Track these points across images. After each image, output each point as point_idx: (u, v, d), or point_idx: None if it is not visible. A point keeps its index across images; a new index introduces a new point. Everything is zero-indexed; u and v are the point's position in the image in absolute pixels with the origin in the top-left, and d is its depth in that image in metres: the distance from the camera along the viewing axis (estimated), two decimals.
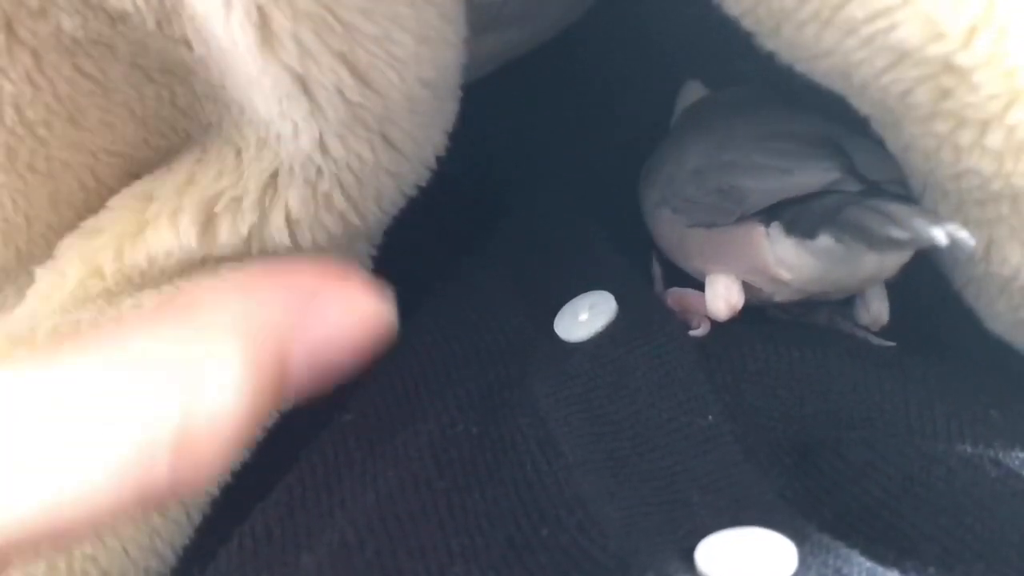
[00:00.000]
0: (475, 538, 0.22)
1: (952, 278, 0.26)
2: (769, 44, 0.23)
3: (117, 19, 0.25)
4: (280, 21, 0.21)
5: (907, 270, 0.26)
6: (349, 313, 0.14)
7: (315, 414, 0.28)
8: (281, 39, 0.21)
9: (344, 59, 0.22)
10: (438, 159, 0.27)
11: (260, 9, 0.21)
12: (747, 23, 0.22)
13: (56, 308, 0.26)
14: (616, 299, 0.27)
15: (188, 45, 0.22)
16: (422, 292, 0.31)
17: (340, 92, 0.22)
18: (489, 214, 0.33)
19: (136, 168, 0.28)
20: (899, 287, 0.27)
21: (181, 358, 0.13)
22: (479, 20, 0.31)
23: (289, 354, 0.14)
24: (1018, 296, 0.24)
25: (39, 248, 0.28)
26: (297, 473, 0.27)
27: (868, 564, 0.19)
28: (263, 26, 0.21)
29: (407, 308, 0.30)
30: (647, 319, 0.26)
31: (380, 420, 0.27)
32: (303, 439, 0.27)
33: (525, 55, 0.33)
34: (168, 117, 0.28)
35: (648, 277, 0.29)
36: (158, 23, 0.24)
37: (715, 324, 0.27)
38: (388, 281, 0.30)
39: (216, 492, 0.28)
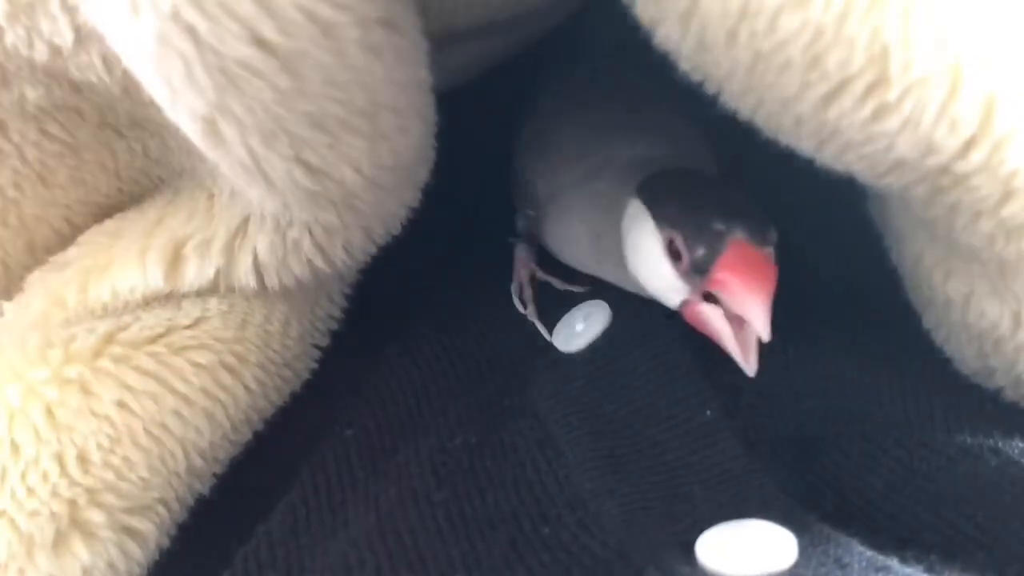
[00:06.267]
0: (476, 544, 0.22)
1: (923, 319, 0.26)
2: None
3: (83, 87, 0.25)
4: (227, 131, 0.21)
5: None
6: None
7: (316, 426, 0.28)
8: (229, 143, 0.21)
9: (296, 160, 0.22)
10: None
11: (205, 119, 0.20)
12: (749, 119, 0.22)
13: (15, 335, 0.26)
14: (611, 306, 0.27)
15: (157, 107, 0.23)
16: (421, 305, 0.31)
17: (295, 183, 0.22)
18: (485, 223, 0.34)
19: (111, 212, 0.28)
20: (894, 281, 0.27)
21: None
22: (463, 31, 0.31)
23: None
24: (989, 346, 0.24)
25: (16, 288, 0.28)
26: (300, 493, 0.27)
27: (868, 553, 0.19)
28: (210, 130, 0.21)
29: (406, 321, 0.30)
30: (643, 322, 0.26)
31: (382, 436, 0.27)
32: (304, 452, 0.27)
33: (514, 58, 0.33)
34: (141, 167, 0.28)
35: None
36: (124, 89, 0.25)
37: None
38: (387, 294, 0.31)
39: (219, 508, 0.28)
